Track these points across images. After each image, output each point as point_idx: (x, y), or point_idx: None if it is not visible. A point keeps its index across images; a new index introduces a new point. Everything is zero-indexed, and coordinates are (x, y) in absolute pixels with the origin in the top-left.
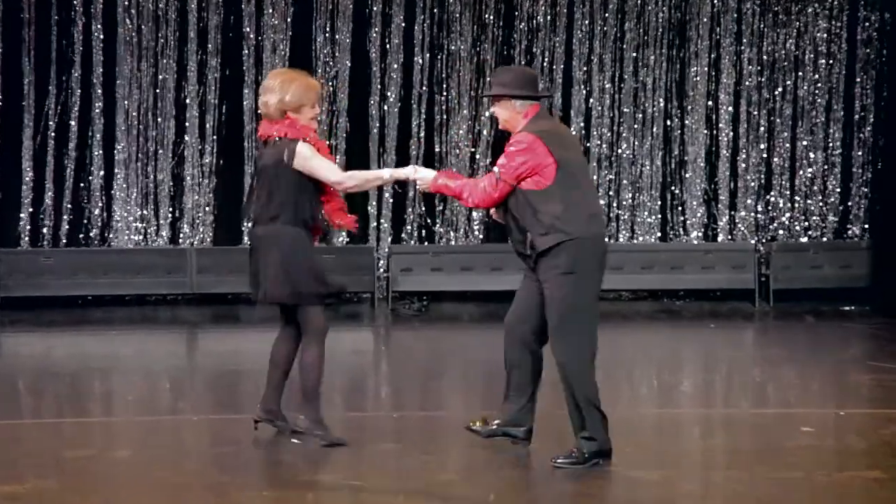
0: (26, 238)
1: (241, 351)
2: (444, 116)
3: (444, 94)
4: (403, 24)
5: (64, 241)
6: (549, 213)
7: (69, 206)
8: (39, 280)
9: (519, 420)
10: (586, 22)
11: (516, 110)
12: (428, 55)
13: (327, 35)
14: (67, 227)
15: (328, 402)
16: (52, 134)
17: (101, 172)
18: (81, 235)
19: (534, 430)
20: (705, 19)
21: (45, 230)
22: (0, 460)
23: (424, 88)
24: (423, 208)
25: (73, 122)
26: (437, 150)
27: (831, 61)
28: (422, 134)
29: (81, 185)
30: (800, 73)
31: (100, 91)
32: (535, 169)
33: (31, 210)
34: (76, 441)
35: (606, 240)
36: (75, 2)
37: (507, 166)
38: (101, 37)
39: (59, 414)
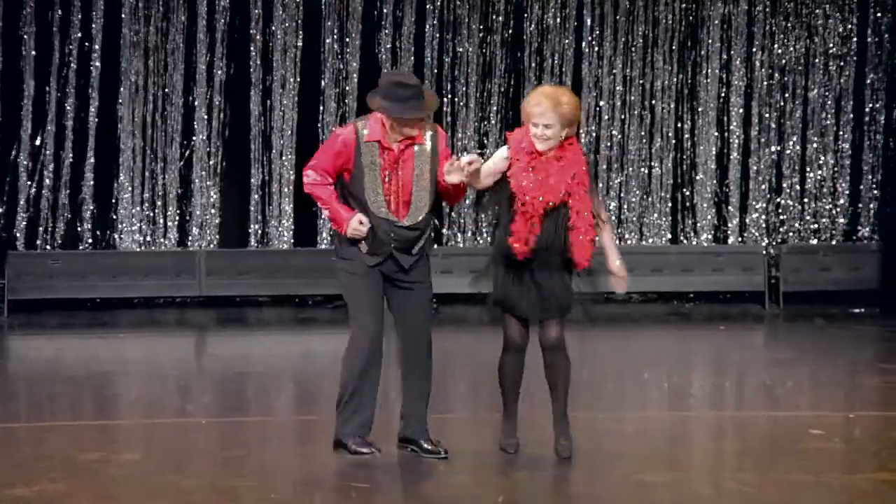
0: (36, 241)
1: (250, 354)
2: (452, 118)
3: (452, 95)
4: (414, 27)
5: (72, 243)
6: None
7: (77, 208)
8: (48, 283)
9: None
10: (596, 24)
11: None
12: (437, 56)
13: (336, 37)
14: (76, 229)
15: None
16: (62, 135)
17: (108, 174)
18: (87, 238)
19: None
20: (716, 21)
21: (53, 233)
22: (9, 463)
23: (433, 90)
24: None
25: (80, 124)
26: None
27: (841, 63)
28: None
29: (89, 186)
30: (810, 76)
31: (107, 92)
32: None
33: (42, 213)
34: (85, 444)
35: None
36: (78, 1)
37: None
38: (105, 37)
39: (68, 417)
